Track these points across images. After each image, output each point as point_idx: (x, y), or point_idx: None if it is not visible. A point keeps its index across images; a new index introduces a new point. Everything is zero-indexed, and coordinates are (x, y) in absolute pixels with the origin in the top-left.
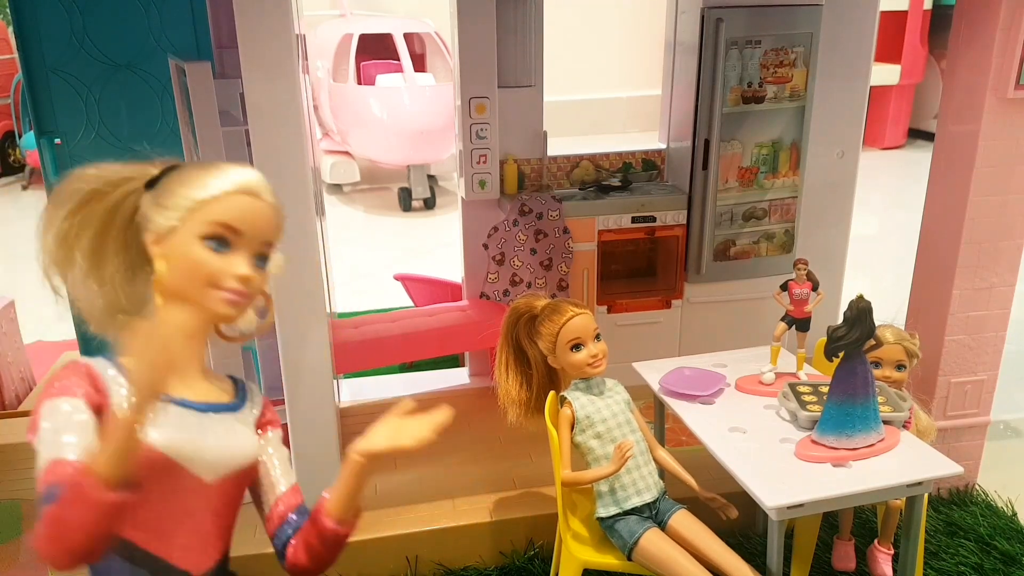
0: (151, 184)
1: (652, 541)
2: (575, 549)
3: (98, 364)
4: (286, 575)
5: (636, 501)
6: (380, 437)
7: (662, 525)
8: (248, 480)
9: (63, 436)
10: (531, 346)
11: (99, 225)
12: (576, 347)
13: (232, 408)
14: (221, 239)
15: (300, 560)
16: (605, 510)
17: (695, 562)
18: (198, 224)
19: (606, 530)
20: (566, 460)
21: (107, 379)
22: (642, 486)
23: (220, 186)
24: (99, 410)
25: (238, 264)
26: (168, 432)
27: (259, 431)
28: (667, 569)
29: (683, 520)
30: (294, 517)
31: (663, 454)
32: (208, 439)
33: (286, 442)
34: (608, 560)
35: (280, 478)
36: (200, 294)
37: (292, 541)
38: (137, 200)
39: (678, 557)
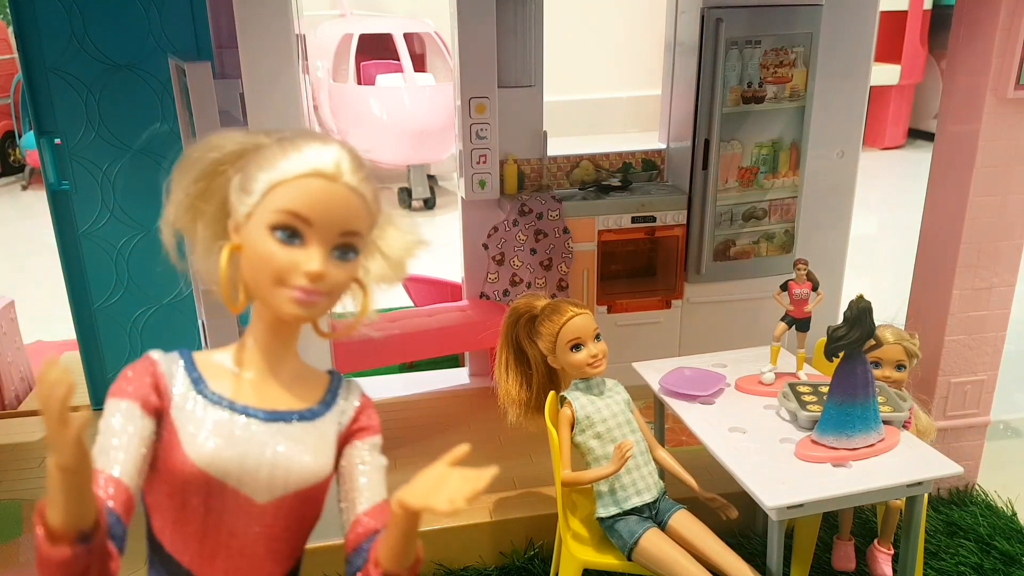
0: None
1: (652, 541)
2: (575, 549)
3: (166, 361)
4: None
5: (636, 501)
6: (419, 490)
7: (662, 525)
8: (319, 500)
9: (107, 446)
10: (531, 346)
11: (220, 199)
12: (576, 347)
13: (310, 416)
14: (291, 229)
15: None
16: (605, 510)
17: (695, 562)
18: (268, 212)
19: (606, 530)
20: (566, 460)
21: (171, 379)
22: (642, 486)
23: (292, 168)
24: (158, 415)
25: (310, 258)
26: (213, 447)
27: (350, 440)
28: (667, 569)
29: (683, 520)
30: (365, 547)
31: (663, 454)
32: (266, 454)
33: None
34: (608, 560)
35: (362, 493)
36: (268, 291)
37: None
38: None
39: (678, 557)
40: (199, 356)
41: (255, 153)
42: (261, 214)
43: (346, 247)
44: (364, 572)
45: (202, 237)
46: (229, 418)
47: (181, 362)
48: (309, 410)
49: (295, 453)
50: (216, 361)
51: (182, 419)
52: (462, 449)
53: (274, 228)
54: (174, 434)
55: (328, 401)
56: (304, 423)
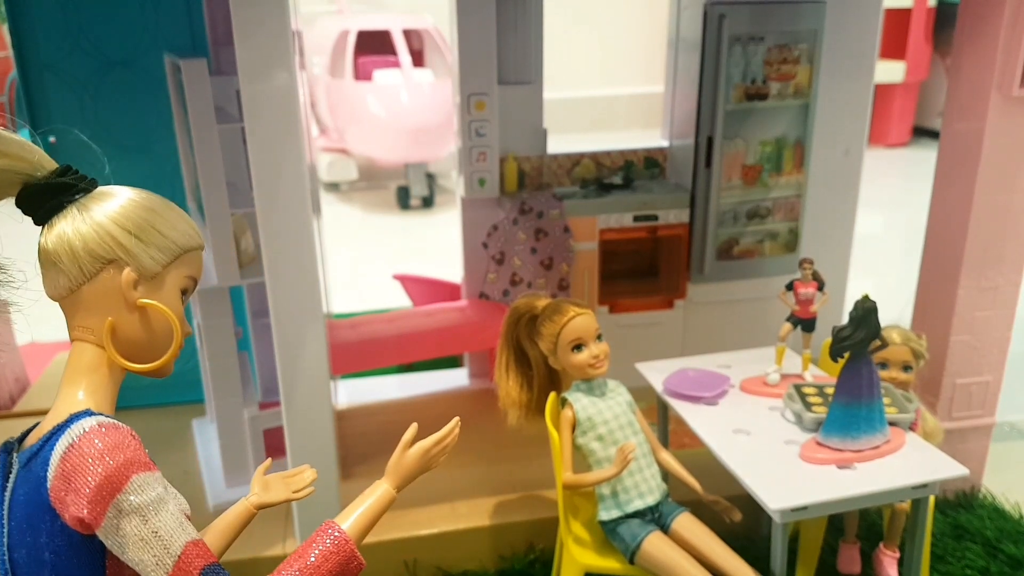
0: (65, 189)
1: (655, 545)
2: (576, 553)
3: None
4: None
5: (639, 504)
6: (411, 464)
7: (665, 528)
8: None
9: (179, 517)
10: (532, 346)
11: None
12: (577, 348)
13: None
14: (186, 294)
15: None
16: (607, 513)
17: (698, 566)
18: (180, 277)
19: (608, 533)
20: (567, 462)
21: None
22: (644, 489)
23: (196, 236)
24: None
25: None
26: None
27: None
28: (670, 573)
29: (686, 523)
30: None
31: (666, 456)
32: None
33: None
34: (610, 564)
35: None
36: (163, 344)
37: None
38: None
39: (681, 561)
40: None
41: (148, 212)
42: (174, 276)
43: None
44: (339, 540)
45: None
46: None
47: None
48: None
49: None
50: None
51: None
52: (412, 430)
53: (184, 290)
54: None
55: None
56: None
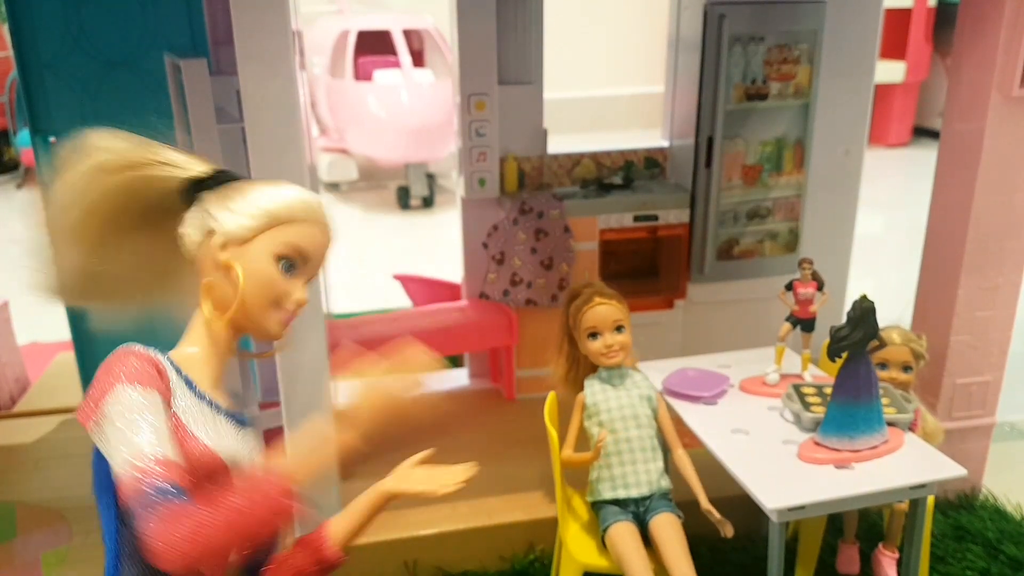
0: (203, 184)
1: (619, 534)
2: (575, 553)
3: (158, 356)
4: None
5: (621, 494)
6: (416, 481)
7: (645, 523)
8: None
9: (155, 434)
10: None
11: (116, 198)
12: (593, 335)
13: (249, 423)
14: (291, 263)
15: None
16: (590, 495)
17: (647, 567)
18: (275, 243)
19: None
20: (571, 441)
21: (170, 373)
22: (632, 480)
23: (301, 211)
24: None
25: (299, 288)
26: (217, 437)
27: None
28: (622, 564)
29: (661, 523)
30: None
31: (679, 456)
32: (242, 446)
33: None
34: (609, 563)
35: None
36: (260, 310)
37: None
38: (168, 187)
39: (633, 556)
40: (174, 355)
41: (239, 181)
42: (266, 242)
43: (310, 280)
44: (306, 557)
45: (79, 231)
46: (213, 415)
47: (167, 359)
48: (244, 416)
49: (253, 449)
50: (188, 363)
51: (184, 413)
52: (428, 453)
53: (280, 257)
54: (182, 426)
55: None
56: (247, 428)
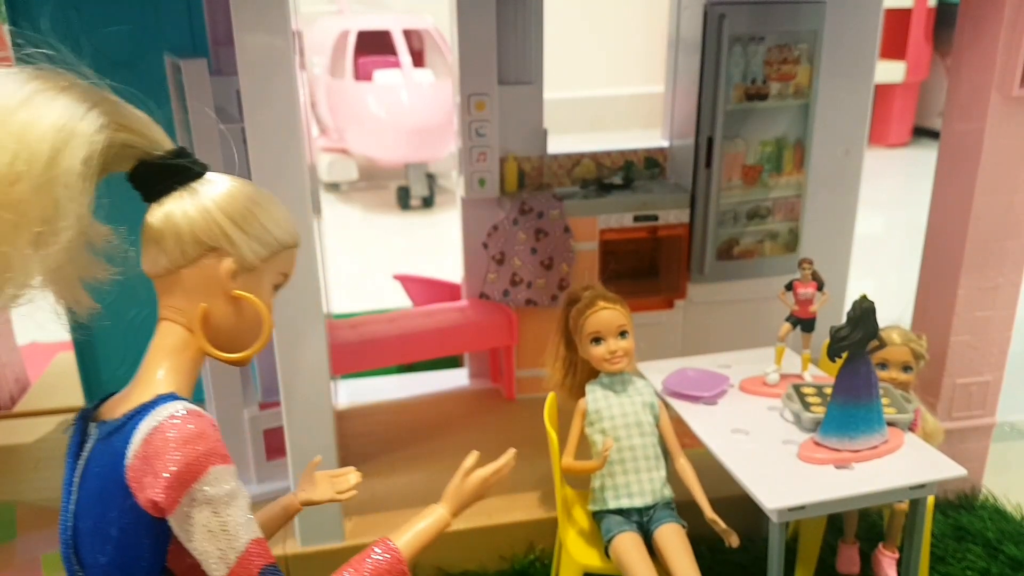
0: (178, 170)
1: (623, 544)
2: (576, 553)
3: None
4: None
5: (624, 503)
6: (471, 494)
7: (649, 532)
8: None
9: (248, 514)
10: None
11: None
12: (596, 341)
13: None
14: (277, 288)
15: None
16: (593, 505)
17: None
18: (276, 272)
19: (598, 525)
20: (571, 449)
21: None
22: (635, 490)
23: (296, 235)
24: None
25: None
26: None
27: None
28: (629, 575)
29: (666, 533)
30: None
31: (682, 465)
32: None
33: None
34: (609, 564)
35: None
36: (252, 340)
37: None
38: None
39: (639, 567)
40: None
41: (253, 204)
42: (269, 272)
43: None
44: (391, 557)
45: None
46: None
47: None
48: None
49: None
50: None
51: None
52: (473, 456)
53: (276, 286)
54: None
55: None
56: None
